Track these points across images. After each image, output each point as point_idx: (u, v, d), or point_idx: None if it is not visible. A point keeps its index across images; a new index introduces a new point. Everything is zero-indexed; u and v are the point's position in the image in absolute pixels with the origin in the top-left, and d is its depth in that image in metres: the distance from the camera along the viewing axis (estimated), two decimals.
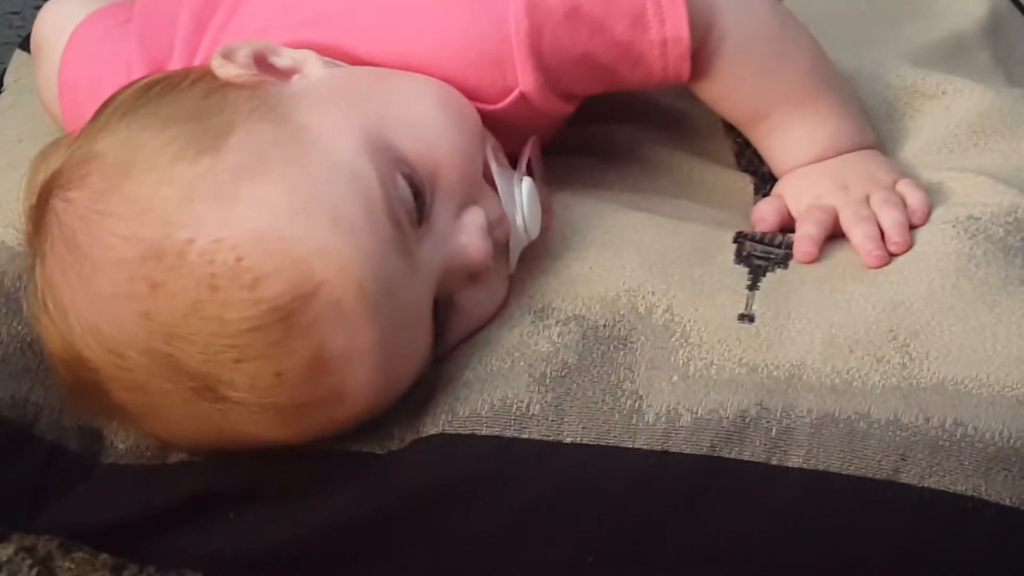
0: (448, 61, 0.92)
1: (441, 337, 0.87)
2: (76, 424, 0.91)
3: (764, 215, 0.98)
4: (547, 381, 0.86)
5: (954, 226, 0.92)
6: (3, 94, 1.20)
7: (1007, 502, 0.82)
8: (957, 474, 0.82)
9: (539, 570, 0.86)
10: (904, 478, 0.82)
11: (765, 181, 1.04)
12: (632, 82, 0.97)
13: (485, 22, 0.92)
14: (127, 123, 0.83)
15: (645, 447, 0.84)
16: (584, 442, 0.84)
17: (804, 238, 0.93)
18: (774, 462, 0.83)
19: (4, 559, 0.93)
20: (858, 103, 1.03)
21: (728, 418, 0.84)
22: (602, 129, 1.09)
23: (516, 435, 0.85)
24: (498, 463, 0.85)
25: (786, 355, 0.86)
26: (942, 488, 0.82)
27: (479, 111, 0.92)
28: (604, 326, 0.89)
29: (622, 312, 0.89)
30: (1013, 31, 1.18)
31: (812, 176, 0.99)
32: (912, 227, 0.94)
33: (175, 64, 0.98)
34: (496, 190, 0.90)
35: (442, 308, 0.87)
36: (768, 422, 0.84)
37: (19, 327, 0.91)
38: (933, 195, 0.96)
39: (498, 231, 0.89)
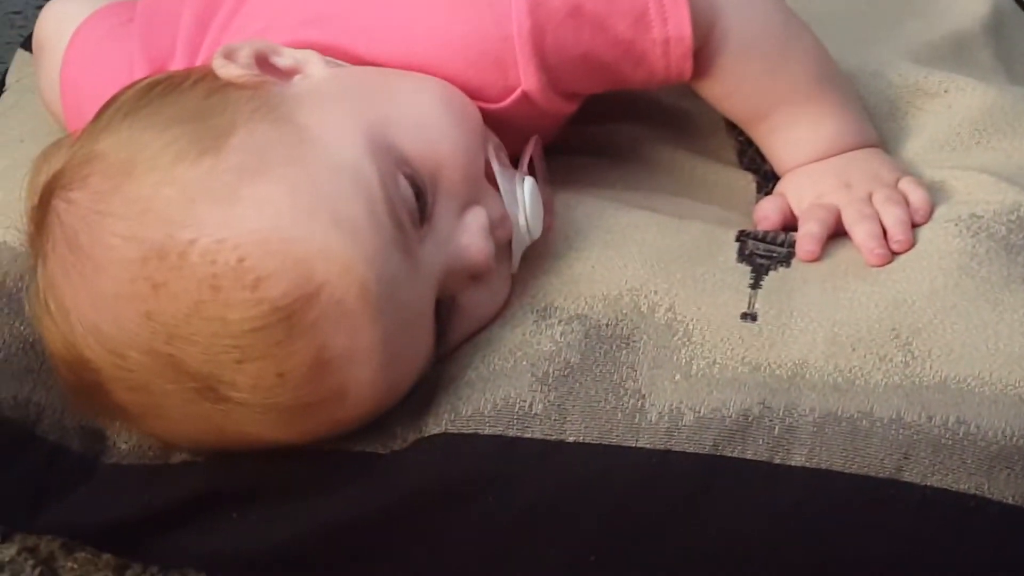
0: (450, 60, 0.92)
1: (443, 337, 0.87)
2: (78, 424, 0.91)
3: (766, 213, 0.98)
4: (550, 380, 0.86)
5: (956, 224, 0.92)
6: (5, 94, 1.20)
7: (1009, 500, 0.82)
8: (960, 473, 0.82)
9: (541, 569, 0.86)
10: (907, 477, 0.82)
11: (767, 179, 1.04)
12: (634, 81, 0.97)
13: (487, 22, 0.92)
14: (129, 123, 0.83)
15: (648, 446, 0.84)
16: (587, 441, 0.84)
17: (806, 236, 0.93)
18: (777, 461, 0.83)
19: (6, 559, 0.93)
20: (860, 101, 1.03)
21: (731, 417, 0.84)
22: (604, 128, 1.09)
23: (519, 434, 0.85)
24: (501, 462, 0.85)
25: (789, 354, 0.86)
26: (945, 487, 0.82)
27: (481, 110, 0.92)
28: (607, 325, 0.89)
29: (624, 311, 0.89)
30: (1015, 29, 1.18)
31: (814, 174, 0.99)
32: (915, 225, 0.94)
33: (177, 64, 0.98)
34: (498, 190, 0.90)
35: (444, 308, 0.86)
36: (771, 421, 0.84)
37: (21, 327, 0.91)
38: (935, 193, 0.96)
39: (500, 231, 0.89)
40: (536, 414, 0.85)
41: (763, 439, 0.83)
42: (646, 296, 0.90)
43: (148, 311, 0.79)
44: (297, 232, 0.79)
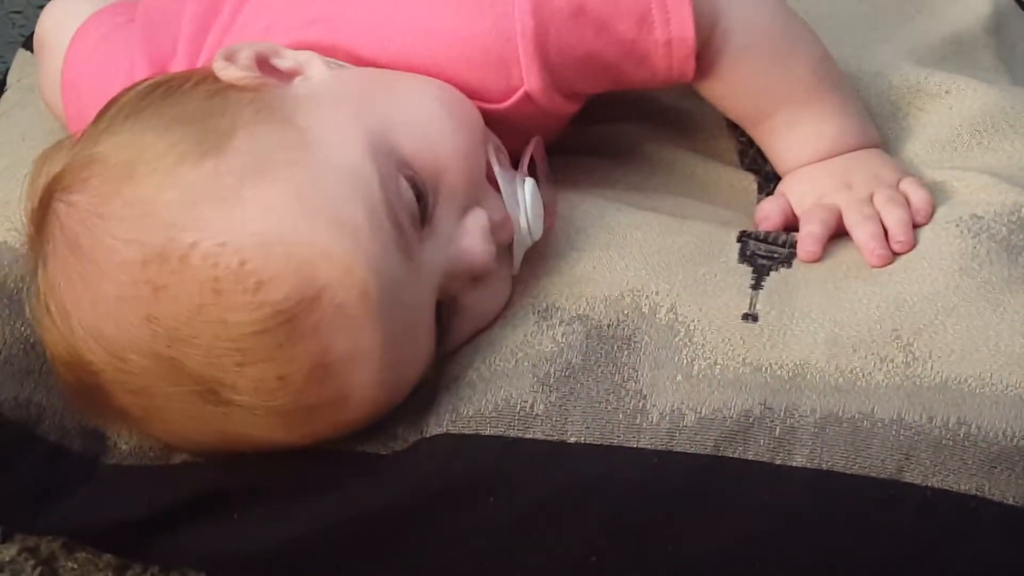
0: (452, 61, 0.92)
1: (444, 338, 0.87)
2: (79, 425, 0.91)
3: (768, 214, 0.98)
4: (551, 381, 0.86)
5: (957, 225, 0.92)
6: (7, 93, 1.19)
7: (1010, 501, 0.82)
8: (960, 473, 0.82)
9: (542, 570, 0.86)
10: (908, 477, 0.82)
11: (769, 180, 1.04)
12: (636, 81, 0.97)
13: (490, 22, 0.91)
14: (130, 125, 0.83)
15: (649, 447, 0.84)
16: (588, 442, 0.84)
17: (808, 237, 0.93)
18: (778, 462, 0.83)
19: (7, 560, 0.93)
20: (861, 102, 1.03)
21: (732, 418, 0.84)
22: (605, 128, 1.09)
23: (520, 435, 0.85)
24: (502, 463, 0.85)
25: (790, 354, 0.86)
26: (945, 487, 0.82)
27: (482, 110, 0.92)
28: (608, 326, 0.89)
29: (626, 312, 0.89)
30: (1016, 30, 1.18)
31: (816, 175, 0.99)
32: (916, 226, 0.94)
33: (178, 64, 0.98)
34: (499, 191, 0.90)
35: (445, 310, 0.86)
36: (772, 422, 0.84)
37: (22, 328, 0.91)
38: (936, 194, 0.96)
39: (501, 232, 0.89)
40: (537, 415, 0.85)
41: (764, 440, 0.83)
42: (647, 297, 0.90)
43: (149, 314, 0.79)
44: (298, 235, 0.79)
